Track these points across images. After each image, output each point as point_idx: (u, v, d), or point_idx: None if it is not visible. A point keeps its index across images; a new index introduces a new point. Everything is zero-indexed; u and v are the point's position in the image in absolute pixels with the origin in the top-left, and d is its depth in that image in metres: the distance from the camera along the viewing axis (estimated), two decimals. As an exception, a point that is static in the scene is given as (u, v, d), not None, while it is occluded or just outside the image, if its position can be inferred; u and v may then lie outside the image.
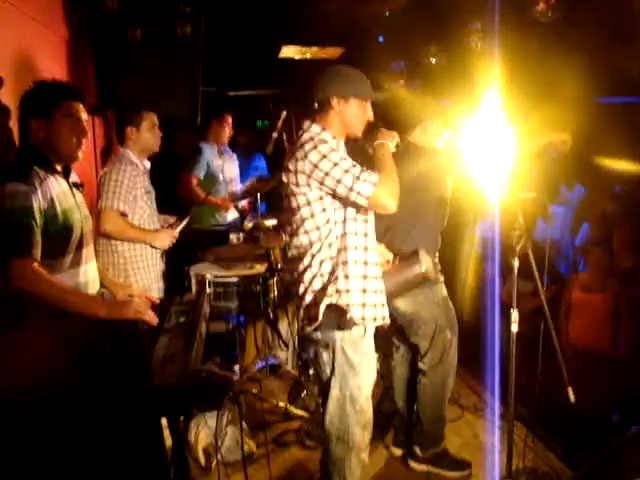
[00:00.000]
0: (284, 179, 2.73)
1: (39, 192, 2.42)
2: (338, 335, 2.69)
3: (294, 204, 2.70)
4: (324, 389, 2.81)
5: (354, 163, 2.61)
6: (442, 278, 3.62)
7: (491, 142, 3.26)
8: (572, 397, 2.91)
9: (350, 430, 2.76)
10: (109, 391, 1.98)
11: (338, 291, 2.67)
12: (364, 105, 2.78)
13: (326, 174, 2.58)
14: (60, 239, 2.51)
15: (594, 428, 3.65)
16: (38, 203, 2.40)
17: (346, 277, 2.68)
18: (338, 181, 2.57)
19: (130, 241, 3.71)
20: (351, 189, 2.57)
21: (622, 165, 4.90)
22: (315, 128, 2.74)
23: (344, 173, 2.56)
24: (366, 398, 2.79)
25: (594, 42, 5.23)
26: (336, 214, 2.68)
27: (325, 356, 2.74)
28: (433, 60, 6.60)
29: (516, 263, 2.95)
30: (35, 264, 2.33)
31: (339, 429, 2.77)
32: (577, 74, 5.24)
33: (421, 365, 3.57)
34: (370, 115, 2.81)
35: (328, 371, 2.75)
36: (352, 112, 2.75)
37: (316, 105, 2.75)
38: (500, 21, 5.21)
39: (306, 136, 2.70)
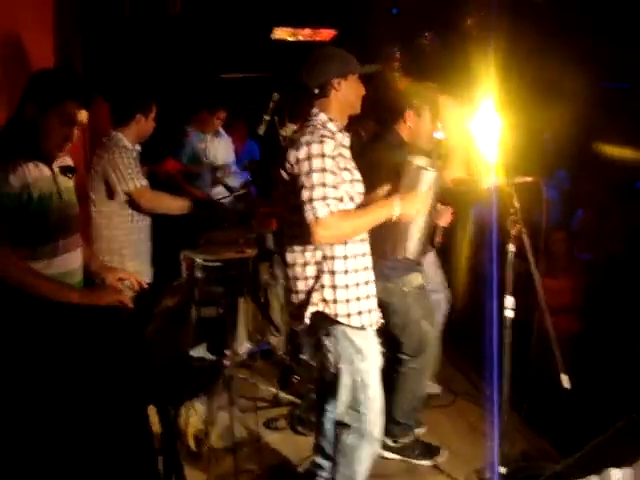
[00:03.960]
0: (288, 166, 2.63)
1: (12, 177, 2.36)
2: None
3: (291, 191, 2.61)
4: (331, 378, 2.74)
5: (333, 184, 2.51)
6: (435, 265, 3.58)
7: (486, 127, 3.22)
8: (566, 383, 2.88)
9: (364, 418, 2.71)
10: (96, 376, 1.95)
11: (325, 300, 2.61)
12: (359, 81, 2.76)
13: (300, 174, 2.53)
14: (35, 227, 2.45)
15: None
16: (10, 188, 2.34)
17: (333, 287, 2.61)
18: (310, 186, 2.49)
19: (169, 210, 3.79)
20: (310, 201, 2.48)
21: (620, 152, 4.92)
22: (322, 117, 2.68)
23: (317, 185, 2.48)
24: (376, 384, 2.74)
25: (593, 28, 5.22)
26: None
27: (327, 343, 2.68)
28: (427, 43, 6.55)
29: (511, 248, 2.91)
30: (5, 249, 2.28)
31: (353, 418, 2.72)
32: (576, 60, 5.22)
33: (400, 355, 3.52)
34: (363, 89, 2.77)
35: (333, 359, 2.69)
36: (352, 89, 2.72)
37: (316, 91, 2.68)
38: (497, 5, 5.17)
39: (310, 125, 2.65)
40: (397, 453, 3.61)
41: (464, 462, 3.53)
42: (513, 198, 2.90)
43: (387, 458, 3.59)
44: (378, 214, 2.66)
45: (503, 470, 2.97)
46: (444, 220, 3.44)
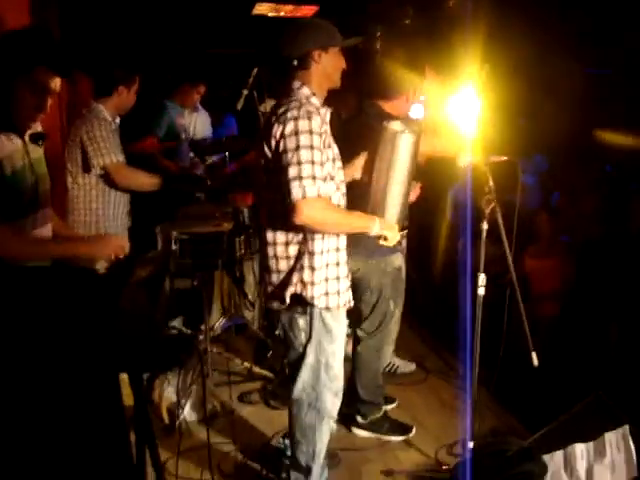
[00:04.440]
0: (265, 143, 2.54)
1: None
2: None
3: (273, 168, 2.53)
4: (296, 356, 2.73)
5: (321, 162, 2.44)
6: (402, 246, 3.59)
7: (464, 107, 3.23)
8: (535, 361, 2.93)
9: (322, 397, 2.72)
10: (68, 342, 1.94)
11: (303, 281, 2.57)
12: (340, 53, 2.66)
13: (287, 150, 2.43)
14: (8, 203, 2.34)
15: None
16: None
17: (312, 269, 2.56)
18: (297, 162, 2.41)
19: (143, 187, 3.77)
20: (299, 178, 2.40)
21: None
22: (305, 91, 2.58)
23: (305, 162, 2.40)
24: (339, 365, 2.75)
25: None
26: None
27: (302, 322, 2.65)
28: (408, 21, 6.55)
29: (485, 227, 2.93)
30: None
31: (311, 396, 2.72)
32: (558, 46, 5.25)
33: (358, 332, 3.55)
34: (344, 63, 2.68)
35: (303, 337, 2.67)
36: (333, 63, 2.62)
37: (295, 62, 2.56)
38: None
39: (293, 100, 2.53)
40: (366, 429, 3.63)
41: (434, 438, 3.58)
42: (488, 177, 2.93)
43: (358, 435, 3.63)
44: (359, 222, 2.64)
45: (472, 445, 3.01)
46: (413, 195, 3.39)
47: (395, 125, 2.71)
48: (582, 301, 4.23)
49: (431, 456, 3.43)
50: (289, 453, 2.99)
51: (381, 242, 2.71)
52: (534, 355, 2.95)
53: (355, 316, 3.48)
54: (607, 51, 5.88)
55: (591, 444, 2.97)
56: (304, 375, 2.71)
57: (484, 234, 2.95)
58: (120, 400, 2.33)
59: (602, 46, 5.85)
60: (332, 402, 2.76)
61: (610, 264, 4.16)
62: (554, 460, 2.97)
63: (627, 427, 2.99)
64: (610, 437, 2.98)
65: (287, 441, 3.09)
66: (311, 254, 2.57)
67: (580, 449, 2.95)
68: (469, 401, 3.08)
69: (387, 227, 2.68)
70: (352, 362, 3.59)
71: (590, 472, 2.93)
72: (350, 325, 3.45)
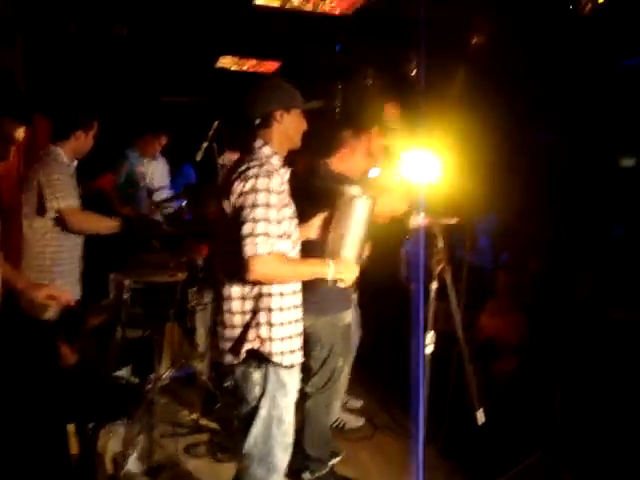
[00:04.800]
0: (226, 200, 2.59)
1: None
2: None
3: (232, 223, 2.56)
4: (249, 410, 2.68)
5: (277, 220, 2.50)
6: (353, 304, 3.64)
7: (417, 169, 3.35)
8: (480, 419, 2.98)
9: (273, 452, 2.68)
10: (17, 391, 1.92)
11: (260, 337, 2.57)
12: (301, 115, 2.75)
13: (244, 206, 2.48)
14: None
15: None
16: None
17: (270, 325, 2.57)
18: (252, 220, 2.46)
19: (99, 231, 3.81)
20: (253, 235, 2.45)
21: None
22: (266, 150, 2.65)
23: (260, 220, 2.46)
24: (290, 420, 2.74)
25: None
26: None
27: (257, 376, 2.63)
28: (369, 84, 6.75)
29: (434, 286, 3.02)
30: None
31: (262, 451, 2.68)
32: (500, 111, 5.50)
33: (307, 388, 3.53)
34: (305, 125, 2.77)
35: (257, 391, 2.64)
36: (294, 124, 2.71)
37: (257, 121, 2.65)
38: (432, 53, 5.38)
39: (255, 158, 2.60)
40: None
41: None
42: (438, 238, 3.02)
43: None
44: (314, 269, 2.68)
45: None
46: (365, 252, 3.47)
47: (353, 190, 2.79)
48: (534, 360, 4.32)
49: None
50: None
51: (339, 284, 2.74)
52: (479, 413, 3.01)
53: (304, 372, 3.50)
54: (555, 117, 6.17)
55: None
56: (256, 429, 2.67)
57: (433, 294, 3.03)
58: (67, 449, 2.30)
59: (551, 112, 6.13)
60: (282, 458, 2.74)
61: (556, 330, 4.29)
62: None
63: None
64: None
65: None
66: (269, 310, 2.58)
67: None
68: (417, 458, 3.10)
69: (343, 267, 2.70)
70: (300, 418, 3.58)
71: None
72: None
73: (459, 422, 3.37)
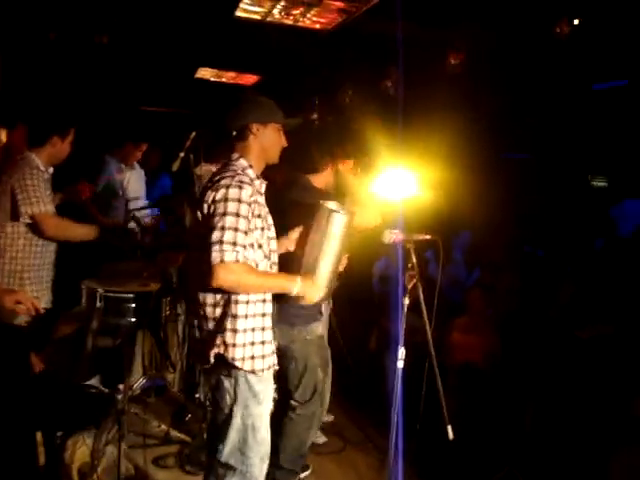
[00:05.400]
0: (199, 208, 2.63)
1: None
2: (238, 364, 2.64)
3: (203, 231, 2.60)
4: (223, 417, 2.71)
5: (245, 230, 2.54)
6: (323, 317, 3.65)
7: (392, 183, 3.39)
8: (451, 434, 3.00)
9: (250, 462, 2.70)
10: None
11: (225, 343, 2.61)
12: (280, 131, 2.80)
13: (214, 215, 2.53)
14: None
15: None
16: None
17: (234, 331, 2.61)
18: (221, 228, 2.50)
19: (75, 237, 3.77)
20: (220, 243, 2.49)
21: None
22: (242, 162, 2.71)
23: (229, 229, 2.50)
24: (266, 428, 2.75)
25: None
26: None
27: (227, 384, 2.67)
28: (347, 99, 6.80)
29: (406, 302, 3.04)
30: None
31: (239, 460, 2.70)
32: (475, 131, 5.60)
33: (291, 402, 3.55)
34: (284, 141, 2.82)
35: (229, 399, 2.67)
36: (271, 138, 2.76)
37: (234, 133, 2.72)
38: (411, 70, 5.46)
39: (230, 169, 2.66)
40: None
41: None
42: (412, 254, 3.05)
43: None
44: (280, 283, 2.73)
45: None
46: (341, 266, 3.50)
47: (331, 205, 2.86)
48: (506, 377, 4.35)
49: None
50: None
51: (301, 302, 2.78)
52: (449, 428, 3.02)
53: (285, 386, 3.51)
54: (528, 137, 6.28)
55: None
56: (232, 438, 2.69)
57: (404, 309, 3.05)
58: (35, 458, 2.28)
59: (524, 131, 6.24)
60: (260, 467, 2.75)
61: (529, 343, 4.33)
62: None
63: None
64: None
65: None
66: (234, 317, 2.62)
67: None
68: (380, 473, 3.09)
69: (309, 285, 2.74)
70: (278, 428, 3.53)
71: None
72: (280, 394, 3.49)
73: (430, 437, 3.38)
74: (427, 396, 3.25)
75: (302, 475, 3.76)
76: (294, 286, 2.70)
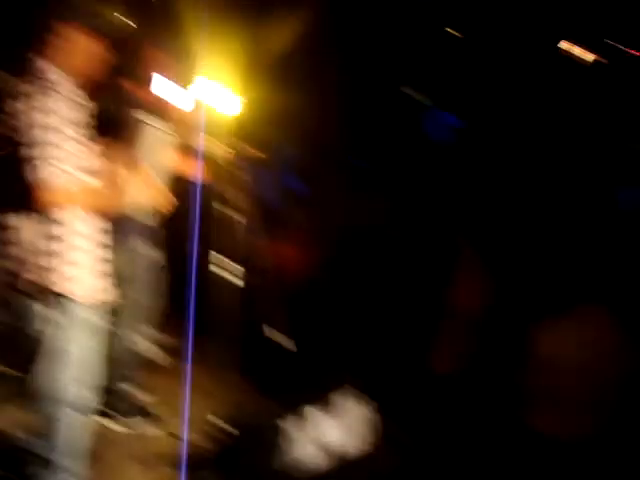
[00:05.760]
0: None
1: None
2: None
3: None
4: (36, 345, 2.62)
5: (56, 143, 2.38)
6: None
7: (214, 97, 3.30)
8: (291, 346, 3.09)
9: (65, 388, 2.63)
10: None
11: (47, 269, 2.52)
12: (91, 35, 2.54)
13: (19, 129, 2.38)
14: None
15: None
16: None
17: (53, 255, 2.52)
18: (32, 144, 2.36)
19: None
20: (32, 159, 2.37)
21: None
22: (43, 65, 2.46)
23: (41, 143, 2.36)
24: (89, 356, 2.70)
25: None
26: None
27: (47, 311, 2.57)
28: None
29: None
30: None
31: (54, 386, 2.63)
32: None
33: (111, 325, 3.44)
34: (103, 53, 2.58)
35: (50, 326, 2.58)
36: (84, 45, 2.52)
37: (43, 36, 2.46)
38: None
39: (30, 74, 2.44)
40: (115, 421, 3.64)
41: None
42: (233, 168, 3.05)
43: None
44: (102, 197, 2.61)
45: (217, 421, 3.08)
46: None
47: (145, 117, 2.90)
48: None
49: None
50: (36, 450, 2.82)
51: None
52: (288, 342, 3.11)
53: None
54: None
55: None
56: (51, 365, 2.60)
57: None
58: None
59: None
60: (76, 393, 2.66)
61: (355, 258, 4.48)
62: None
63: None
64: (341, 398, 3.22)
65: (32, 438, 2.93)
66: (56, 240, 2.49)
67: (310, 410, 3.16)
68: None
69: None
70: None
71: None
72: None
73: (273, 351, 3.44)
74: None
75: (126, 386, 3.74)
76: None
